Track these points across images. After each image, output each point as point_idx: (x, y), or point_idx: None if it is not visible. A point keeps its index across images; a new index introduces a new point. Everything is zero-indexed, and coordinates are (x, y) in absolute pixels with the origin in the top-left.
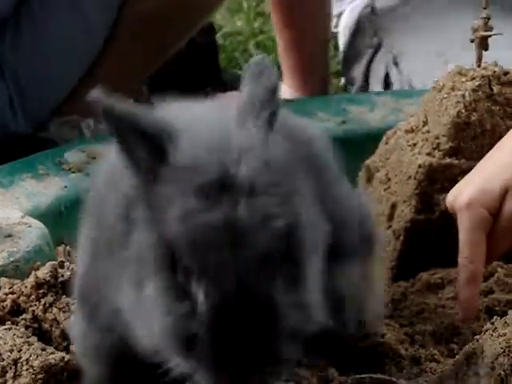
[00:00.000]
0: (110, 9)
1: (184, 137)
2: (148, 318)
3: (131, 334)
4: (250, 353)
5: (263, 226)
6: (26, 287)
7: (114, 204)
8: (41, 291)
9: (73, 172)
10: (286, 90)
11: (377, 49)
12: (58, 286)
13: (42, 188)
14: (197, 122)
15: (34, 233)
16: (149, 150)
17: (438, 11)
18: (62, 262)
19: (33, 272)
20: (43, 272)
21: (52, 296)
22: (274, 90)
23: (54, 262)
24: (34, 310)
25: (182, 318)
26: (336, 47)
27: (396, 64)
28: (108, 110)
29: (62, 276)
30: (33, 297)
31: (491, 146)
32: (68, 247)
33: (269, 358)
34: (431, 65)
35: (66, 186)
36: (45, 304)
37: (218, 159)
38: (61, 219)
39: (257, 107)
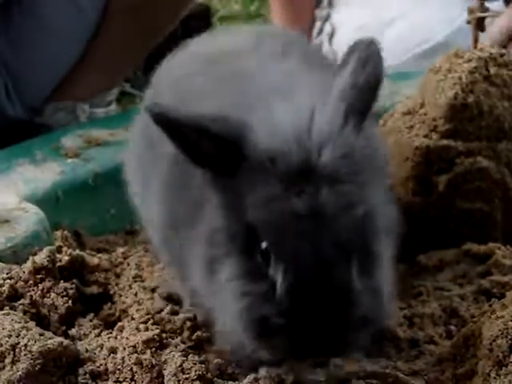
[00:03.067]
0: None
1: (261, 126)
2: (222, 299)
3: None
4: (325, 338)
5: (344, 214)
6: (23, 272)
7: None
8: (38, 276)
9: (69, 157)
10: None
11: (325, 21)
12: (55, 271)
13: (39, 173)
14: (275, 105)
15: (32, 218)
16: (222, 151)
17: None
18: (60, 247)
19: (30, 257)
20: (41, 257)
21: (50, 281)
22: (377, 83)
23: (51, 247)
24: (31, 295)
25: (258, 298)
26: None
27: (331, 36)
28: (167, 117)
29: (60, 261)
30: (30, 282)
31: (488, 127)
32: (65, 232)
33: (342, 344)
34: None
35: (62, 171)
36: (43, 289)
37: (299, 147)
38: (58, 204)
39: (352, 101)
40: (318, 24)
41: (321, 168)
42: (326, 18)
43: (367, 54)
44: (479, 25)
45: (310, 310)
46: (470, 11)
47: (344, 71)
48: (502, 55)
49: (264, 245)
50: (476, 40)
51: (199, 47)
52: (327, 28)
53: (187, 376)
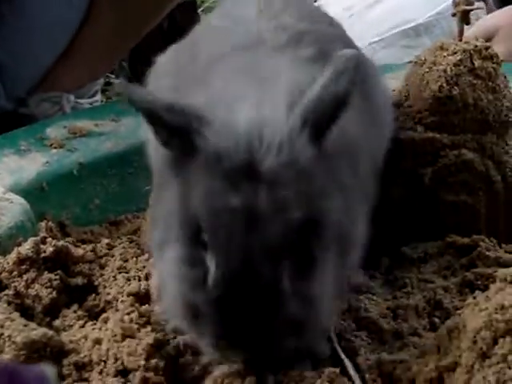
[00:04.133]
0: None
1: (217, 122)
2: (164, 280)
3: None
4: (250, 334)
5: (277, 216)
6: (7, 263)
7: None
8: (23, 267)
9: (54, 148)
10: None
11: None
12: (40, 262)
13: (24, 164)
14: (235, 103)
15: (16, 208)
16: (178, 139)
17: None
18: (45, 237)
19: (15, 248)
20: (25, 248)
21: (34, 272)
22: (346, 97)
23: (36, 238)
24: (16, 286)
25: (192, 284)
26: None
27: None
28: (136, 101)
29: (45, 252)
30: (15, 273)
31: (473, 119)
32: (50, 223)
33: (265, 339)
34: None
35: (47, 162)
36: (27, 280)
37: (247, 147)
38: (43, 195)
39: (317, 109)
40: None
41: (263, 171)
42: (315, 1)
43: (343, 67)
44: (464, 18)
45: (236, 304)
46: (456, 4)
47: (317, 82)
48: (486, 48)
49: (203, 235)
50: (461, 33)
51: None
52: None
53: None
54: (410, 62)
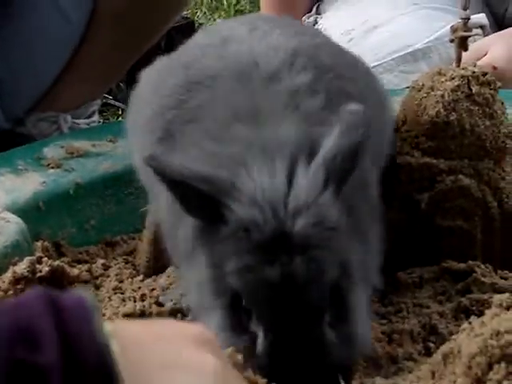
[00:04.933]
0: (86, 4)
1: (242, 190)
2: None
3: None
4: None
5: (316, 281)
6: (3, 282)
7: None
8: (19, 286)
9: (51, 167)
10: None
11: (313, 23)
12: (35, 282)
13: (21, 183)
14: (257, 172)
15: (12, 228)
16: (207, 210)
17: None
18: (40, 257)
19: (11, 267)
20: (21, 267)
21: (29, 291)
22: (359, 149)
23: (31, 258)
24: None
25: (241, 351)
26: None
27: None
28: (163, 170)
29: (40, 271)
30: (10, 292)
31: (470, 145)
32: (46, 243)
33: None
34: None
35: (44, 182)
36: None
37: (274, 215)
38: (39, 215)
39: (336, 163)
40: None
41: (294, 236)
42: (314, 24)
43: (353, 121)
44: (462, 44)
45: (287, 367)
46: (454, 30)
47: (329, 137)
48: (484, 74)
49: (245, 305)
50: (459, 58)
51: None
52: None
53: None
54: (408, 87)
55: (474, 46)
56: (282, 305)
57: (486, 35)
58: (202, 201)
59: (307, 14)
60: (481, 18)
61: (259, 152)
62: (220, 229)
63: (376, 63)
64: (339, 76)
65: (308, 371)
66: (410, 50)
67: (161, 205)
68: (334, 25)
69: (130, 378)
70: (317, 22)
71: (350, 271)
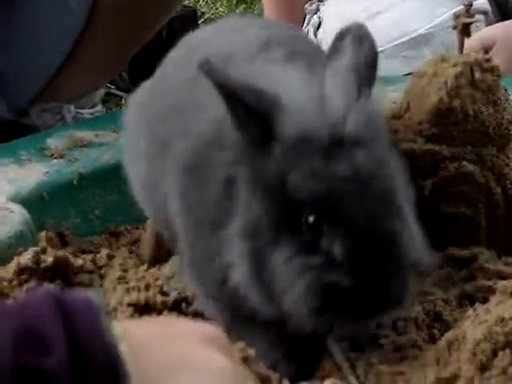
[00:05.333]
0: None
1: (289, 106)
2: (278, 286)
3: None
4: (390, 287)
5: (381, 170)
6: (7, 273)
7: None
8: (23, 277)
9: (55, 158)
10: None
11: (314, 14)
12: (40, 272)
13: (24, 174)
14: (299, 87)
15: (16, 218)
16: (260, 126)
17: None
18: (44, 247)
19: (15, 257)
20: (25, 257)
21: (34, 282)
22: (374, 60)
23: (36, 248)
24: (15, 296)
25: (319, 269)
26: None
27: (317, 27)
28: (220, 81)
29: (45, 262)
30: (15, 282)
31: (473, 131)
32: (50, 233)
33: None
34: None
35: (47, 172)
36: (27, 289)
37: (326, 122)
38: (43, 205)
39: (358, 74)
40: (307, 17)
41: (349, 136)
42: (315, 12)
43: (361, 34)
44: (465, 30)
45: (373, 266)
46: (457, 17)
47: (343, 51)
48: (487, 60)
49: (312, 218)
50: (462, 45)
51: None
52: (314, 20)
53: None
54: (410, 73)
55: (479, 34)
56: (355, 201)
57: (489, 22)
58: (252, 116)
59: (309, 2)
60: (483, 3)
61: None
62: (272, 147)
63: (379, 49)
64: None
65: (392, 270)
66: (412, 35)
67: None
68: (335, 12)
69: (137, 379)
70: (319, 9)
71: (396, 176)
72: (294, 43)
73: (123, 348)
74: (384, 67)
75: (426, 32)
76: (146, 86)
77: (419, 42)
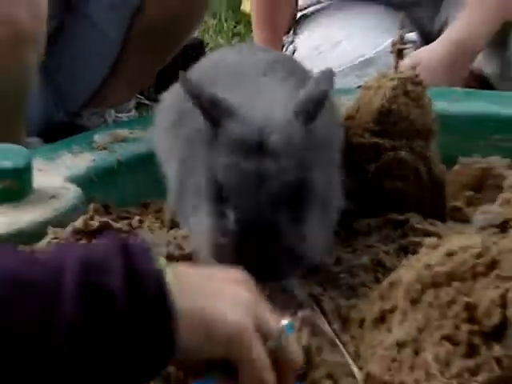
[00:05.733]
0: (123, 22)
1: (240, 111)
2: (199, 230)
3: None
4: (261, 262)
5: (278, 178)
6: (66, 234)
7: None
8: (77, 237)
9: (100, 149)
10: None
11: (290, 44)
12: (89, 233)
13: (77, 161)
14: (254, 100)
15: (72, 194)
16: (211, 118)
17: (345, 15)
18: (92, 215)
19: (71, 223)
20: (78, 223)
21: (84, 240)
22: (324, 97)
23: (86, 216)
24: None
25: (220, 230)
26: None
27: (293, 54)
28: (188, 89)
29: (92, 226)
30: (71, 241)
31: (406, 129)
32: (97, 205)
33: (274, 267)
34: (310, 57)
35: (94, 160)
36: None
37: (259, 129)
38: (91, 184)
39: (305, 103)
40: (285, 46)
41: (268, 146)
42: (291, 43)
43: (322, 76)
44: (399, 54)
45: (249, 240)
46: (393, 44)
47: (305, 88)
48: (416, 76)
49: (224, 196)
50: (397, 65)
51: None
52: (290, 48)
53: None
54: (360, 86)
55: (409, 56)
56: (250, 192)
57: (417, 48)
58: (207, 118)
59: (286, 35)
60: (413, 35)
61: (251, 95)
62: (219, 135)
63: (339, 69)
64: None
65: (265, 249)
66: (362, 59)
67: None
68: (307, 42)
69: (182, 307)
70: (294, 41)
71: (309, 192)
72: (293, 66)
73: (170, 279)
74: (342, 82)
75: (373, 56)
76: (172, 91)
77: (367, 63)
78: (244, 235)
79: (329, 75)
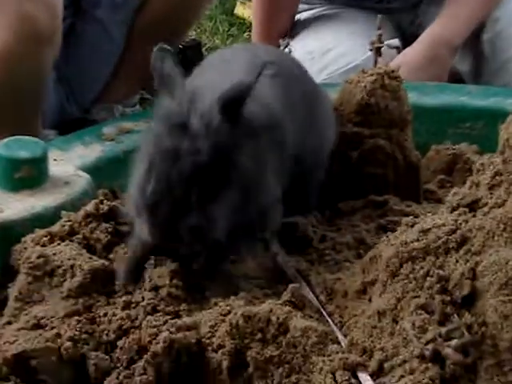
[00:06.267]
0: (125, 24)
1: (181, 92)
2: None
3: None
4: (167, 226)
5: (191, 156)
6: (78, 217)
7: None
8: (88, 220)
9: (108, 140)
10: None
11: (285, 47)
12: (99, 216)
13: (88, 151)
14: (207, 84)
15: (83, 181)
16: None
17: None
18: (102, 200)
19: (82, 207)
20: (90, 207)
21: (95, 223)
22: (247, 92)
23: (96, 200)
24: (84, 232)
25: (141, 194)
26: None
27: None
28: (154, 64)
29: (102, 209)
30: (83, 223)
31: (384, 119)
32: (105, 190)
33: (175, 235)
34: (303, 61)
35: (103, 150)
36: (91, 228)
37: (184, 111)
38: (100, 172)
39: (228, 95)
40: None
41: (189, 129)
42: (286, 46)
43: (252, 70)
44: (377, 51)
45: (160, 207)
46: (372, 43)
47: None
48: (393, 71)
49: (149, 163)
50: (376, 62)
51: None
52: (286, 51)
53: None
54: (345, 81)
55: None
56: (166, 166)
57: (399, 52)
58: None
59: (282, 38)
60: (395, 41)
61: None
62: (157, 107)
63: (327, 76)
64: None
65: (172, 219)
66: (351, 65)
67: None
68: (301, 46)
69: None
70: (289, 44)
71: (227, 173)
72: (282, 65)
73: None
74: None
75: (361, 62)
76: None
77: (356, 69)
78: (154, 206)
79: (257, 69)
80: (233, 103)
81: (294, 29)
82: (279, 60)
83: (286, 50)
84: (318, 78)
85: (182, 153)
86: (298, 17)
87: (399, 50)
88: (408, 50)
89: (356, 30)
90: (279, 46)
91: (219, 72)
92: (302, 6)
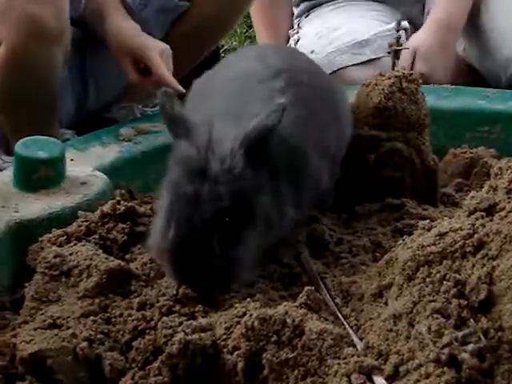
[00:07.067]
0: (165, 26)
1: (196, 134)
2: (153, 232)
3: None
4: (192, 271)
5: (213, 203)
6: (95, 217)
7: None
8: (105, 220)
9: (125, 141)
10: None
11: (295, 34)
12: (116, 217)
13: (106, 152)
14: (219, 122)
15: (101, 181)
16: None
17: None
18: (119, 200)
19: (99, 207)
20: (106, 207)
21: (112, 223)
22: (271, 130)
23: (113, 201)
24: (100, 232)
25: (163, 238)
26: None
27: (296, 42)
28: (162, 110)
29: (119, 209)
30: (99, 224)
31: (401, 122)
32: (123, 191)
33: (200, 276)
34: (311, 42)
35: (121, 150)
36: (107, 228)
37: (204, 155)
38: (118, 172)
39: (250, 139)
40: (291, 34)
41: (209, 174)
42: (296, 32)
43: (273, 110)
44: (396, 54)
45: (181, 253)
46: (390, 45)
47: (255, 119)
48: (410, 74)
49: (171, 208)
50: (394, 64)
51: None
52: (295, 37)
53: None
54: (363, 84)
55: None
56: (186, 212)
57: (408, 36)
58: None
59: (291, 29)
60: (406, 23)
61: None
62: (175, 152)
63: (335, 49)
64: (304, 85)
65: (196, 263)
66: (358, 40)
67: None
68: (309, 30)
69: None
70: (298, 32)
71: (249, 216)
72: (293, 68)
73: None
74: (339, 60)
75: (367, 38)
76: (199, 81)
77: (363, 44)
78: (176, 251)
79: (279, 110)
80: (256, 147)
81: (300, 20)
82: (290, 63)
83: (296, 36)
84: (326, 51)
85: (202, 198)
86: (300, 8)
87: (407, 32)
88: (416, 41)
89: (365, 14)
90: (288, 39)
91: (232, 99)
92: None
